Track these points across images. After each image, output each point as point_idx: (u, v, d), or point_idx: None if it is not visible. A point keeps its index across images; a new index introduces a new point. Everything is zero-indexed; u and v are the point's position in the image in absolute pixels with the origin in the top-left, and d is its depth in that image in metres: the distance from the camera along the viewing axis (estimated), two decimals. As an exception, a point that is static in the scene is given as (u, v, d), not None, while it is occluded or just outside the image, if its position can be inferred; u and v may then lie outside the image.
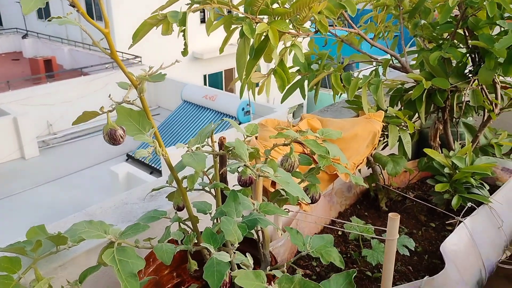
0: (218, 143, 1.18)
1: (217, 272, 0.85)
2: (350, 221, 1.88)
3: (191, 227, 1.13)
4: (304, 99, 2.20)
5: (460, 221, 1.87)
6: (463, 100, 2.17)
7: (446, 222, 2.03)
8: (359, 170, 2.21)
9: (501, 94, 2.20)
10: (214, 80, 15.58)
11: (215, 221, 1.09)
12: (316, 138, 1.18)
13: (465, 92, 2.09)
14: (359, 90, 2.05)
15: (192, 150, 1.04)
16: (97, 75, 12.39)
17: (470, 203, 1.94)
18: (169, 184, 1.16)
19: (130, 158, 10.67)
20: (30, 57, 15.31)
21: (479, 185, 2.03)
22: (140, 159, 10.39)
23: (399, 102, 2.27)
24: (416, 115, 2.21)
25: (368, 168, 2.21)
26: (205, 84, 15.09)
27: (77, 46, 15.45)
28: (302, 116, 2.05)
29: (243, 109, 9.99)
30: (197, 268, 1.10)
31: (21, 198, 9.14)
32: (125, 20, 14.15)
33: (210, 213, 1.14)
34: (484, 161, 2.05)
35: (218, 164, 1.17)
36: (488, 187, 2.06)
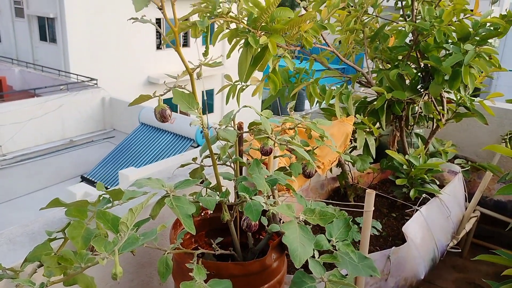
0: (237, 126, 1.46)
1: (255, 210, 1.13)
2: (327, 209, 2.19)
3: (217, 193, 1.39)
4: (284, 106, 2.53)
5: (417, 209, 2.25)
6: (416, 111, 2.59)
7: (405, 212, 2.40)
8: (331, 170, 2.55)
9: (446, 108, 2.63)
10: (168, 105, 15.75)
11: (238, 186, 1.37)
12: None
13: (418, 104, 2.50)
14: (332, 100, 2.42)
15: (222, 127, 1.32)
16: (50, 96, 12.22)
17: (425, 194, 2.32)
18: (200, 157, 1.43)
19: (85, 180, 10.55)
20: (-22, 77, 14.83)
21: (431, 181, 2.42)
22: (96, 180, 10.30)
23: (362, 113, 2.65)
24: (377, 125, 2.60)
25: (337, 167, 2.55)
26: (160, 108, 15.19)
27: (29, 67, 15.19)
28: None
29: (201, 132, 10.22)
30: (226, 219, 1.36)
31: (-31, 220, 8.80)
32: (79, 43, 14.16)
33: (234, 180, 1.42)
34: (434, 161, 2.45)
35: (238, 143, 1.46)
36: (438, 183, 2.46)
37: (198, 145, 10.29)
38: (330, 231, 1.24)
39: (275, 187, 1.39)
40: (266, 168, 1.89)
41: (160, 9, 1.08)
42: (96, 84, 13.12)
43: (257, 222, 1.19)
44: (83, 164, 11.40)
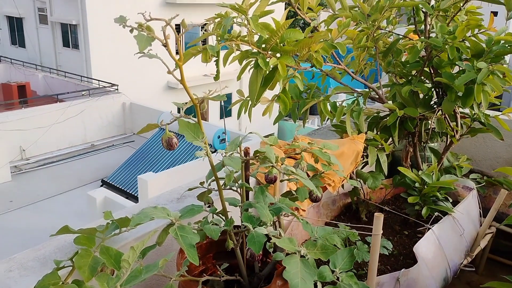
0: (244, 152, 1.48)
1: (258, 242, 1.15)
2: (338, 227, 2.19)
3: (223, 218, 1.41)
4: (295, 122, 2.54)
5: (429, 228, 2.22)
6: (429, 127, 2.56)
7: (417, 230, 2.38)
8: (342, 185, 2.55)
9: (460, 123, 2.60)
10: (188, 110, 15.89)
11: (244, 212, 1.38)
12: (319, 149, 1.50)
13: (431, 120, 2.47)
14: (343, 116, 2.42)
15: (228, 155, 1.34)
16: (72, 101, 12.47)
17: (437, 212, 2.29)
18: (207, 182, 1.45)
19: (105, 183, 10.72)
20: (3, 82, 15.24)
21: (444, 198, 2.39)
22: (115, 184, 10.46)
23: (375, 128, 2.64)
24: (390, 139, 2.58)
25: (350, 184, 2.54)
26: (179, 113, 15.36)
27: (52, 73, 15.52)
28: (295, 137, 2.38)
29: (218, 137, 10.30)
30: (229, 249, 1.38)
31: (-7, 223, 9.04)
32: (101, 49, 14.40)
33: (240, 206, 1.43)
34: (448, 179, 2.43)
35: (244, 168, 1.48)
36: (451, 200, 2.43)
37: (215, 150, 10.35)
38: (334, 261, 1.25)
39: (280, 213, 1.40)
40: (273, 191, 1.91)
41: (164, 46, 1.10)
42: (117, 89, 13.33)
43: (260, 252, 1.21)
44: (103, 168, 11.58)
